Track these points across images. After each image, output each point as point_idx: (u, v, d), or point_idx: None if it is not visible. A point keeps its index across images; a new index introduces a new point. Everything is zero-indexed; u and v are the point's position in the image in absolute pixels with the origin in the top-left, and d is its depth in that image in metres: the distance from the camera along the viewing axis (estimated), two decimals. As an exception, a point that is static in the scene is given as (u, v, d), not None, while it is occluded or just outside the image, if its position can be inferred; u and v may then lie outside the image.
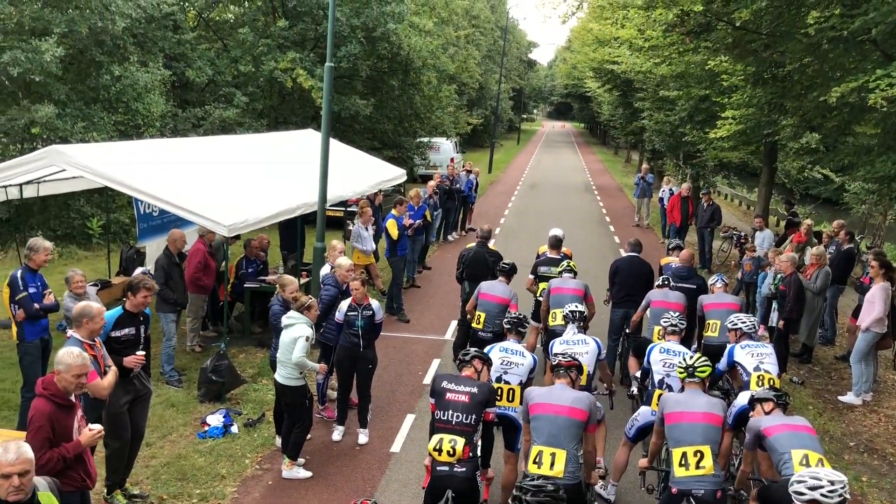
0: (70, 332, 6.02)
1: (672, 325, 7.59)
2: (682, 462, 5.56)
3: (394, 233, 12.96)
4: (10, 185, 10.64)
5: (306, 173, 12.02)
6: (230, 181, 10.76)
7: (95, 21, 15.53)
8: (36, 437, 4.78)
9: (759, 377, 7.08)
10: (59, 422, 4.86)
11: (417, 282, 15.24)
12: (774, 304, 11.06)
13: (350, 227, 13.91)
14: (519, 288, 9.89)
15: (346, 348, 8.16)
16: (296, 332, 7.34)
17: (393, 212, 13.38)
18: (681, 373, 6.24)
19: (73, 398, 5.00)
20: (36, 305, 7.66)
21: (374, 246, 13.13)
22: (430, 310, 13.60)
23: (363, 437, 8.39)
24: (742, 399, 6.77)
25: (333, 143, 12.49)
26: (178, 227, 11.08)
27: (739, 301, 9.69)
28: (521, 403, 6.46)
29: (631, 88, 28.46)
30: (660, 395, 6.69)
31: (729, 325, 7.84)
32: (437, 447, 5.64)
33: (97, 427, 5.08)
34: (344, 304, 8.17)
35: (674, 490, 5.52)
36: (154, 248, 12.23)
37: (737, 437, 6.94)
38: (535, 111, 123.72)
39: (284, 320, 7.53)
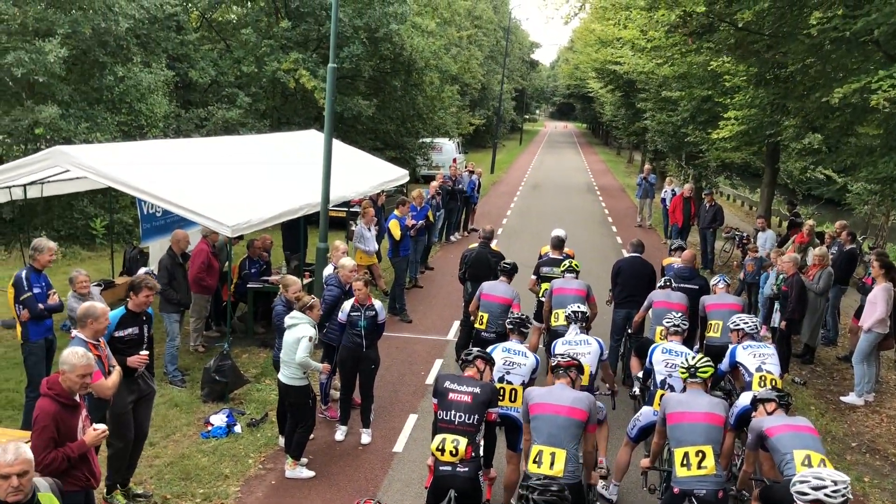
0: (74, 333, 6.04)
1: (675, 325, 7.60)
2: (684, 462, 5.57)
3: (396, 233, 12.98)
4: (15, 186, 10.68)
5: (309, 174, 12.04)
6: (233, 182, 10.78)
7: (99, 22, 15.58)
8: (41, 437, 4.81)
9: (761, 378, 7.09)
10: (63, 421, 4.89)
11: (420, 282, 15.26)
12: (776, 305, 11.07)
13: (353, 228, 13.93)
14: (521, 288, 9.90)
15: (349, 348, 8.18)
16: (299, 332, 7.36)
17: (395, 212, 13.40)
18: (683, 373, 6.25)
19: (77, 398, 5.03)
20: (40, 306, 7.69)
21: (376, 246, 13.15)
22: (432, 310, 13.62)
23: (366, 437, 8.41)
24: (744, 399, 6.78)
25: (336, 143, 12.50)
26: (181, 227, 11.12)
27: (741, 302, 9.69)
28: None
29: (633, 89, 28.46)
30: (662, 396, 6.70)
31: (731, 326, 7.85)
32: (440, 447, 5.65)
33: (101, 427, 5.10)
34: (347, 305, 8.19)
35: (675, 490, 5.54)
36: (157, 248, 12.27)
37: (739, 437, 6.95)
38: (537, 112, 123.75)
39: (287, 320, 7.55)
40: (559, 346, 7.35)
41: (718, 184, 29.21)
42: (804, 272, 11.44)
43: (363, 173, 14.80)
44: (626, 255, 11.28)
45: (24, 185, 10.91)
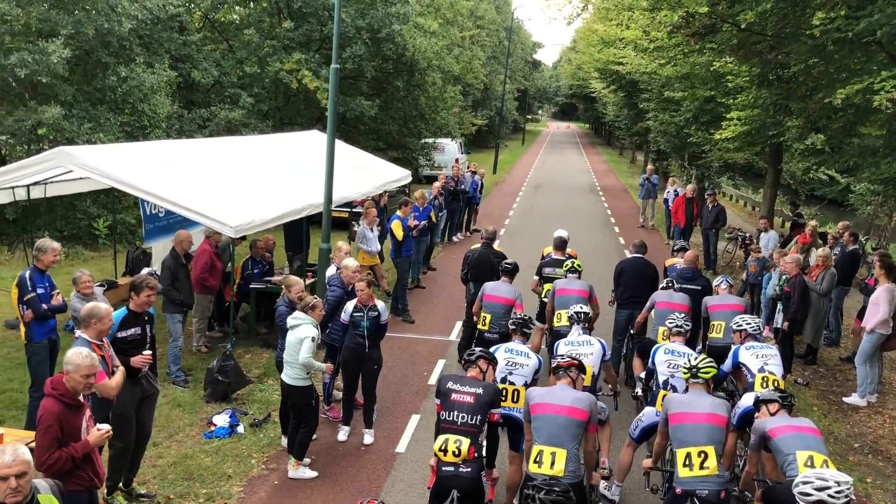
0: (78, 333, 6.06)
1: (678, 326, 7.59)
2: (686, 462, 5.58)
3: (399, 234, 13.00)
4: (18, 186, 10.71)
5: (311, 174, 12.06)
6: (236, 182, 10.81)
7: (102, 22, 15.61)
8: (45, 437, 4.82)
9: (763, 378, 7.10)
10: (67, 422, 4.90)
11: (422, 283, 15.27)
12: (779, 306, 11.06)
13: (355, 228, 13.95)
14: (524, 289, 9.91)
15: (352, 349, 8.19)
16: (301, 332, 7.37)
17: (398, 213, 13.41)
18: (685, 373, 6.26)
19: (81, 398, 5.04)
20: (44, 306, 7.71)
21: (378, 247, 13.17)
22: (434, 311, 13.62)
23: (368, 438, 8.42)
24: (747, 400, 6.78)
25: (338, 144, 12.52)
26: (184, 227, 11.14)
27: (744, 302, 9.69)
28: (525, 404, 6.48)
29: (636, 89, 28.47)
30: (664, 396, 6.70)
31: (734, 327, 7.84)
32: (443, 447, 5.66)
33: (105, 427, 5.12)
34: (349, 305, 8.20)
35: (678, 490, 5.54)
36: (160, 248, 12.29)
37: (741, 437, 6.95)
38: (539, 112, 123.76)
39: (290, 321, 7.56)
40: (561, 347, 7.37)
41: (721, 184, 29.21)
42: (807, 273, 11.43)
43: (365, 174, 14.81)
44: (628, 255, 11.28)
45: (28, 186, 10.93)
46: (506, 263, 9.65)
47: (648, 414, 7.04)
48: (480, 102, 49.33)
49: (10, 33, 14.62)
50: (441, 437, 5.75)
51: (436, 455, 5.75)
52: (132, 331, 6.71)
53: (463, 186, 19.61)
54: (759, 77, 14.63)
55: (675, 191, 20.51)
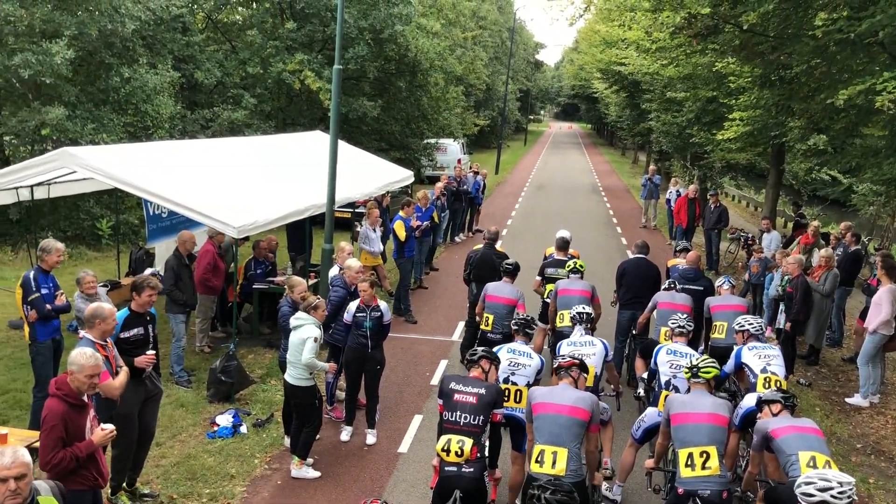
0: (82, 333, 6.08)
1: (680, 326, 7.60)
2: (688, 463, 5.59)
3: (401, 234, 13.01)
4: (22, 187, 10.73)
5: (314, 175, 12.08)
6: (239, 183, 10.82)
7: (105, 23, 15.64)
8: (49, 437, 4.84)
9: (766, 379, 7.10)
10: (72, 421, 4.92)
11: (425, 283, 15.29)
12: (781, 306, 11.06)
13: (358, 229, 13.97)
14: (526, 289, 9.92)
15: (355, 349, 8.21)
16: (304, 333, 7.39)
17: (400, 213, 13.43)
18: (686, 374, 6.27)
19: (85, 398, 5.06)
20: (48, 306, 7.73)
21: (381, 247, 13.18)
22: (437, 311, 13.64)
23: (371, 438, 8.44)
24: (749, 400, 6.79)
25: (341, 144, 12.53)
26: (187, 228, 11.16)
27: (746, 303, 9.69)
28: (528, 404, 6.49)
29: (638, 90, 28.45)
30: (666, 397, 6.71)
31: (736, 327, 7.84)
32: (446, 448, 5.68)
33: (109, 427, 5.14)
34: (352, 306, 8.22)
35: (680, 490, 5.55)
36: (163, 249, 12.31)
37: (744, 438, 6.96)
38: (542, 112, 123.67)
39: (293, 321, 7.58)
40: (564, 348, 7.37)
41: (723, 185, 29.18)
42: (809, 273, 11.43)
43: (368, 174, 14.83)
44: (630, 256, 11.29)
45: (32, 186, 10.96)
46: (506, 264, 9.65)
47: (651, 414, 7.05)
48: (483, 103, 49.35)
49: (13, 34, 14.66)
50: (444, 438, 5.76)
51: (438, 455, 5.76)
52: (135, 331, 6.73)
53: (465, 187, 19.63)
54: (761, 78, 14.64)
55: (678, 191, 20.51)
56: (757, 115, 15.66)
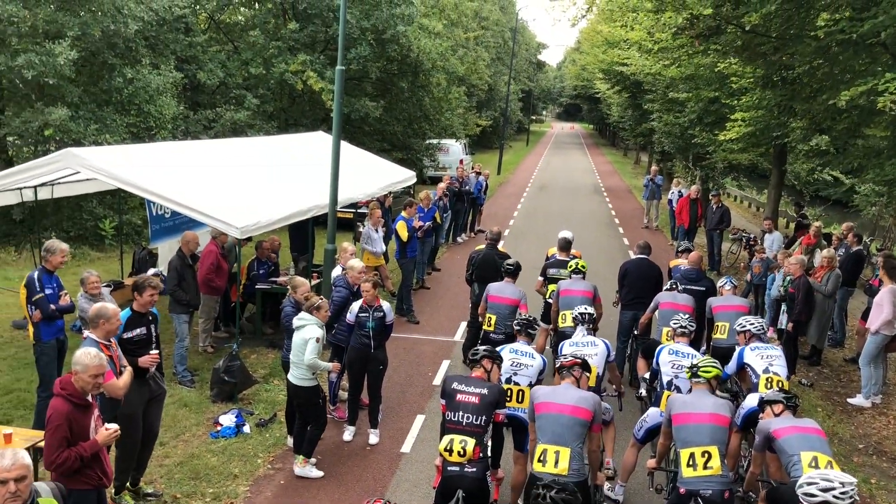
0: (86, 333, 6.10)
1: (682, 326, 7.61)
2: (690, 462, 5.60)
3: (404, 234, 13.03)
4: (26, 187, 10.77)
5: (317, 175, 12.10)
6: (242, 183, 10.85)
7: (108, 24, 15.68)
8: (54, 437, 4.87)
9: (768, 379, 7.11)
10: (76, 421, 4.94)
11: (427, 283, 15.31)
12: (783, 307, 11.07)
13: (360, 229, 13.98)
14: (528, 290, 9.94)
15: (357, 349, 8.23)
16: (307, 333, 7.41)
17: (403, 213, 13.45)
18: (687, 373, 6.28)
19: (89, 398, 5.08)
20: (52, 306, 7.75)
21: (384, 248, 13.20)
22: (439, 311, 13.66)
23: (374, 438, 8.46)
24: (751, 401, 6.79)
25: (343, 145, 12.56)
26: (190, 228, 11.19)
27: (748, 303, 9.69)
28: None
29: (640, 90, 28.43)
30: (668, 397, 6.73)
31: (738, 328, 7.85)
32: (448, 447, 5.69)
33: (113, 426, 5.16)
34: (355, 306, 8.24)
35: (682, 490, 5.56)
36: (166, 249, 12.35)
37: (746, 438, 6.97)
38: (544, 112, 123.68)
39: (296, 322, 7.60)
40: (566, 348, 7.38)
41: (725, 185, 29.17)
42: (811, 274, 11.43)
43: (370, 175, 14.85)
44: (632, 256, 11.29)
45: (35, 187, 10.99)
46: (507, 264, 9.67)
47: (653, 414, 7.07)
48: (485, 103, 49.37)
49: (16, 35, 14.70)
50: (446, 438, 5.78)
51: (441, 455, 5.78)
52: (137, 331, 6.76)
53: (467, 187, 19.64)
54: (763, 78, 14.64)
55: (680, 192, 20.51)
56: (759, 115, 15.66)
